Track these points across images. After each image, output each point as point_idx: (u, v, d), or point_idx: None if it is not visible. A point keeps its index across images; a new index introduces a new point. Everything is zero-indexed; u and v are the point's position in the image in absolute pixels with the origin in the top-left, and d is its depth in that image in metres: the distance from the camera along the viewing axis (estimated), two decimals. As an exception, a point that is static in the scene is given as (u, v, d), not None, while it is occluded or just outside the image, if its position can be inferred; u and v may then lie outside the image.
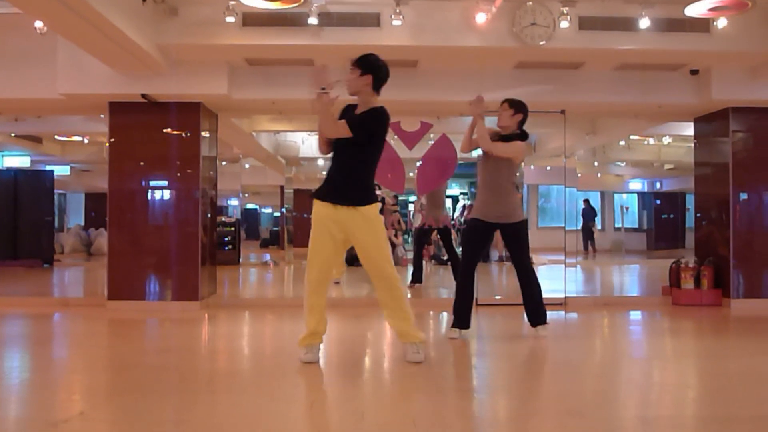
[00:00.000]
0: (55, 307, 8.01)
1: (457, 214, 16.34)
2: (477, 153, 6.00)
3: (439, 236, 10.20)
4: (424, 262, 10.34)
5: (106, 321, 7.19)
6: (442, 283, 9.80)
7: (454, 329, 5.73)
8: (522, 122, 5.80)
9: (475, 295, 5.88)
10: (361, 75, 4.72)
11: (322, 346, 4.86)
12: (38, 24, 6.62)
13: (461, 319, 5.74)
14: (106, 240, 8.04)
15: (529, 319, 5.89)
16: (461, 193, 20.93)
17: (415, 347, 4.74)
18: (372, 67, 4.73)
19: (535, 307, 5.80)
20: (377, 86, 4.77)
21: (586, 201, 19.35)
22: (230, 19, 6.52)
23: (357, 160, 4.69)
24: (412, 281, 9.54)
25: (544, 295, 5.87)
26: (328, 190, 4.70)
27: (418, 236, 10.05)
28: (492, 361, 5.29)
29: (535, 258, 14.41)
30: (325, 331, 4.80)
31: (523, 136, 5.80)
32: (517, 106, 5.77)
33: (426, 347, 4.87)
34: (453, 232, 10.11)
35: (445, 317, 6.52)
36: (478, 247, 5.87)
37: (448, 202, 17.57)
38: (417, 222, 10.47)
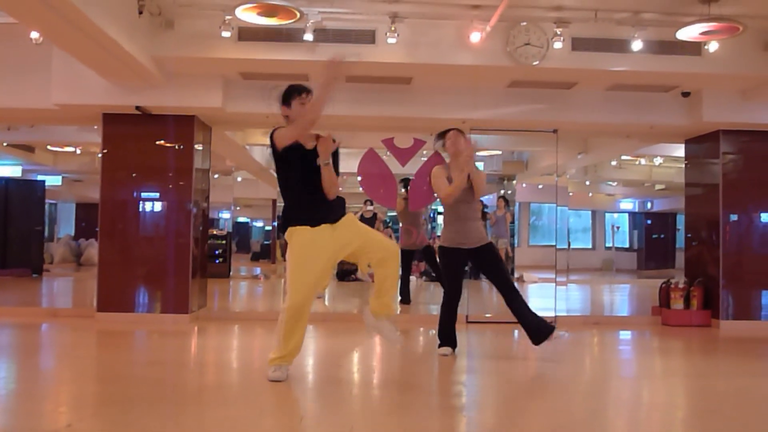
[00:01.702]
0: (44, 318, 7.97)
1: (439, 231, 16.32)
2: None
3: (422, 255, 10.21)
4: (414, 278, 10.32)
5: (95, 332, 7.15)
6: (432, 300, 9.79)
7: (446, 347, 5.72)
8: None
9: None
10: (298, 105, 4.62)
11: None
12: (34, 34, 6.64)
13: (449, 339, 5.73)
14: (95, 250, 8.03)
15: (532, 338, 5.57)
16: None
17: (394, 324, 4.78)
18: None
19: (535, 324, 5.56)
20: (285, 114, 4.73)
21: None
22: (226, 33, 6.56)
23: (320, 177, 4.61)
24: (400, 301, 9.52)
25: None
26: (321, 213, 4.57)
27: (402, 259, 10.02)
28: (481, 378, 5.29)
29: (525, 276, 14.52)
30: (298, 353, 4.68)
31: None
32: (461, 131, 5.98)
33: (411, 362, 4.84)
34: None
35: (433, 333, 6.48)
36: (461, 275, 5.79)
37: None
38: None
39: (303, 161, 4.54)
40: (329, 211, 4.61)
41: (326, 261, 4.58)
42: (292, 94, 4.61)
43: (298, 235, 4.53)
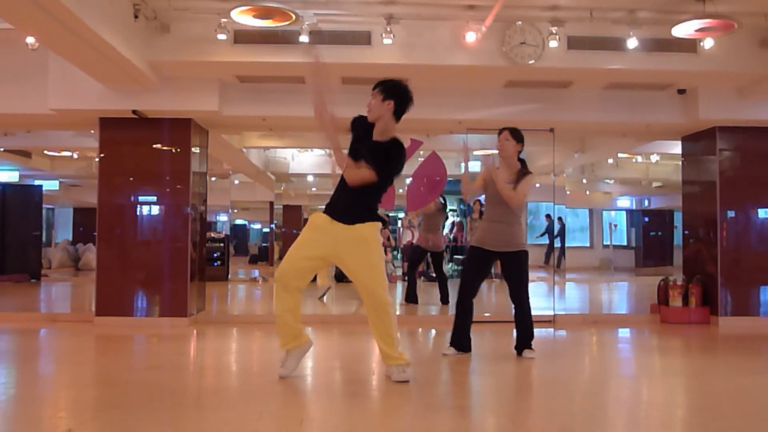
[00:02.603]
0: (43, 323, 7.97)
1: (446, 231, 16.34)
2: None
3: (431, 257, 10.24)
4: (418, 281, 10.34)
5: (94, 337, 7.15)
6: (431, 300, 9.79)
7: (451, 348, 5.72)
8: (520, 151, 5.77)
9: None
10: (383, 100, 4.64)
11: (309, 352, 4.85)
12: (30, 40, 6.64)
13: (458, 342, 5.74)
14: (93, 255, 8.02)
15: (516, 346, 5.81)
16: (450, 210, 20.95)
17: (401, 368, 4.67)
18: (396, 93, 4.64)
19: (524, 341, 5.75)
20: (399, 113, 4.69)
21: (548, 216, 19.06)
22: (222, 36, 6.56)
23: (371, 188, 4.61)
24: (406, 300, 9.52)
25: (534, 312, 5.83)
26: (333, 206, 4.66)
27: (411, 257, 10.06)
28: (481, 378, 5.29)
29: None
30: (294, 339, 4.72)
31: (526, 168, 5.74)
32: (518, 136, 5.70)
33: (412, 367, 4.83)
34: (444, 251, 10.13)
35: (434, 334, 6.51)
36: (478, 276, 5.78)
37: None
38: (405, 239, 10.51)
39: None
40: (338, 207, 4.62)
41: (315, 244, 4.61)
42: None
43: (313, 216, 4.74)
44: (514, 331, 5.83)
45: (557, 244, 17.40)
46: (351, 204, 4.59)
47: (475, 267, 5.74)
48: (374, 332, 4.70)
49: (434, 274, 10.29)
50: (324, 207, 4.72)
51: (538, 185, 15.90)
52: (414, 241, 9.96)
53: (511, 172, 5.63)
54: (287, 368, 4.75)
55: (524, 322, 5.72)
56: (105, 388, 4.83)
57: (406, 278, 9.99)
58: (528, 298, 5.71)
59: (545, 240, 18.01)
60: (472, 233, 5.72)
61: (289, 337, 4.71)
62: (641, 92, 7.97)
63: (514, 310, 5.76)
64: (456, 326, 5.76)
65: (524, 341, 5.74)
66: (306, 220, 4.66)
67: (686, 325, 8.04)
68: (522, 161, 5.76)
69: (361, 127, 4.72)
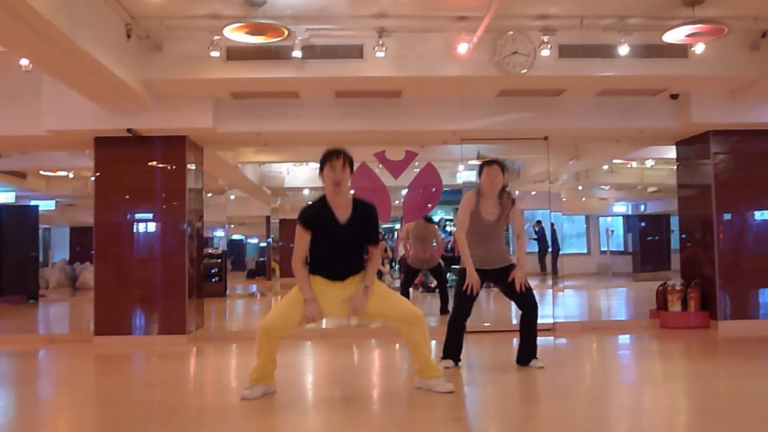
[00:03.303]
0: (41, 344, 7.95)
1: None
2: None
3: (429, 271, 10.25)
4: (410, 290, 10.32)
5: (93, 357, 7.12)
6: (430, 311, 9.78)
7: (448, 360, 5.70)
8: None
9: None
10: (348, 167, 4.65)
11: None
12: (24, 61, 6.64)
13: (453, 352, 5.72)
14: (91, 274, 8.01)
15: (518, 357, 5.77)
16: (447, 220, 20.97)
17: (440, 379, 4.75)
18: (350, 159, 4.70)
19: (528, 348, 5.73)
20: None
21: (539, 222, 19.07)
22: (214, 53, 6.57)
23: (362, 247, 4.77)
24: None
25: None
26: (336, 271, 4.66)
27: (405, 275, 10.08)
28: (483, 388, 5.28)
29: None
30: (270, 377, 4.79)
31: (511, 198, 5.77)
32: (504, 168, 5.72)
33: (413, 378, 4.84)
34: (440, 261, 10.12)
35: (434, 344, 6.48)
36: (473, 297, 5.71)
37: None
38: (402, 251, 10.50)
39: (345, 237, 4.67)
40: (346, 270, 4.70)
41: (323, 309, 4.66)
42: (324, 159, 4.63)
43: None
44: (515, 340, 5.80)
45: (550, 249, 17.43)
46: (349, 265, 4.70)
47: (472, 290, 5.71)
48: (413, 346, 4.75)
49: (433, 284, 10.29)
50: (319, 271, 4.67)
51: (533, 193, 16.04)
52: (408, 256, 9.96)
53: (494, 201, 5.64)
54: (253, 393, 4.69)
55: (533, 331, 5.67)
56: (106, 408, 4.81)
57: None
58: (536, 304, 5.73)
59: (534, 248, 17.98)
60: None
61: (265, 376, 4.73)
62: (634, 98, 8.00)
63: (521, 319, 5.71)
64: (452, 341, 5.73)
65: (531, 350, 5.70)
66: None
67: (686, 330, 8.03)
68: (508, 193, 5.78)
69: (317, 217, 4.64)
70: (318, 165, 4.69)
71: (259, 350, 4.63)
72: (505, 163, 5.81)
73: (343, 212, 4.61)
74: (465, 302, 5.66)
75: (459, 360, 5.75)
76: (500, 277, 5.68)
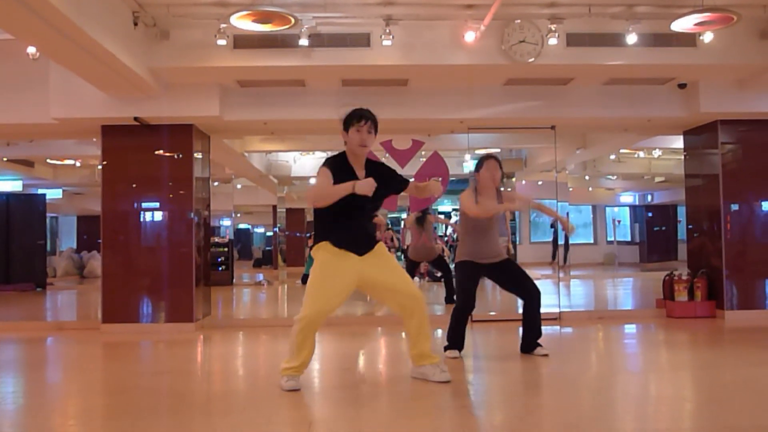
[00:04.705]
0: (50, 331, 7.99)
1: (450, 230, 16.36)
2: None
3: (430, 263, 10.27)
4: (417, 279, 10.36)
5: (101, 344, 7.17)
6: (436, 300, 9.79)
7: (453, 350, 5.71)
8: None
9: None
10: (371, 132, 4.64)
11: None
12: (31, 50, 6.66)
13: (457, 342, 5.73)
14: (98, 263, 8.05)
15: (521, 345, 5.79)
16: (453, 210, 20.97)
17: (437, 366, 4.72)
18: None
19: (535, 337, 5.75)
20: None
21: None
22: (221, 41, 6.57)
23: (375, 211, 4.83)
24: None
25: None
26: (355, 241, 4.59)
27: (408, 266, 10.10)
28: (489, 377, 5.29)
29: (528, 273, 14.48)
30: (308, 364, 4.72)
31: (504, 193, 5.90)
32: (501, 164, 5.80)
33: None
34: (446, 249, 10.14)
35: (440, 333, 6.51)
36: (474, 289, 5.79)
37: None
38: (408, 240, 10.52)
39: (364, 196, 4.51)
40: (364, 241, 4.66)
41: (348, 282, 4.58)
42: (351, 120, 4.62)
43: (327, 252, 4.58)
44: (520, 329, 5.81)
45: (561, 241, 17.42)
46: (370, 234, 4.74)
47: (474, 280, 5.76)
48: (412, 331, 4.72)
49: (439, 274, 10.30)
50: (336, 242, 4.56)
51: (540, 182, 16.01)
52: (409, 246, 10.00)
53: (491, 196, 5.67)
54: (297, 383, 4.64)
55: (536, 318, 5.69)
56: (114, 395, 4.84)
57: None
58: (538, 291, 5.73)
59: (546, 238, 18.00)
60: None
61: (302, 368, 4.65)
62: (642, 87, 7.97)
63: (524, 307, 5.72)
64: (455, 330, 5.74)
65: (535, 337, 5.72)
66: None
67: (692, 320, 8.03)
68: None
69: (340, 171, 4.56)
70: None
71: (301, 344, 4.50)
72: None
73: (360, 171, 4.63)
74: (467, 293, 5.71)
75: (462, 348, 5.77)
76: (494, 272, 5.72)
